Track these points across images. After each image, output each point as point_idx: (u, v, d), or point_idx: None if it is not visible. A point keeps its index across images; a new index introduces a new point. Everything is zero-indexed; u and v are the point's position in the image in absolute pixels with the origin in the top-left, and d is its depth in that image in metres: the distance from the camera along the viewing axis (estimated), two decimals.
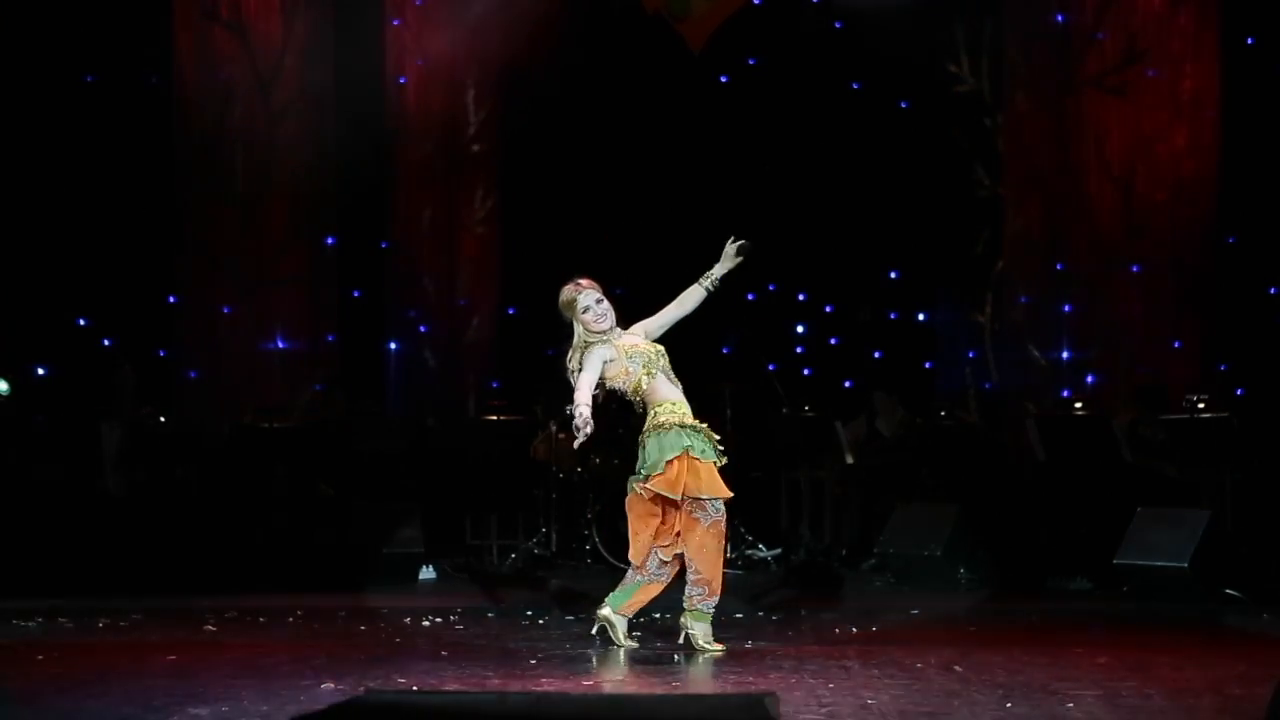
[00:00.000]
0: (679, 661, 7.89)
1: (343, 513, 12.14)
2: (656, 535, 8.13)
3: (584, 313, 8.22)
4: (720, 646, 8.12)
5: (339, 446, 12.95)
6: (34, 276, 14.22)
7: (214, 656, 8.10)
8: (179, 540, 11.79)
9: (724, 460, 8.20)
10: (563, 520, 12.79)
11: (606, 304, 8.26)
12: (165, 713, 6.54)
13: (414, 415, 14.36)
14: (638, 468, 8.19)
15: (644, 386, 8.15)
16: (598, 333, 8.21)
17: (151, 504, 12.30)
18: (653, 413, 8.17)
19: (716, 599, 8.16)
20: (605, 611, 8.22)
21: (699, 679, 7.42)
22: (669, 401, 8.16)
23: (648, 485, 8.10)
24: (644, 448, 8.15)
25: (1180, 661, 7.78)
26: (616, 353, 8.17)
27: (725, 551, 8.30)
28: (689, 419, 8.15)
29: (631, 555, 8.23)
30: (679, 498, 8.05)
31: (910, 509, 12.13)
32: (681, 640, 8.17)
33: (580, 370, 8.13)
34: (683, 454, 8.05)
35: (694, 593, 8.13)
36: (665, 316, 8.36)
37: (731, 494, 8.16)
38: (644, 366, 8.16)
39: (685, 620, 8.18)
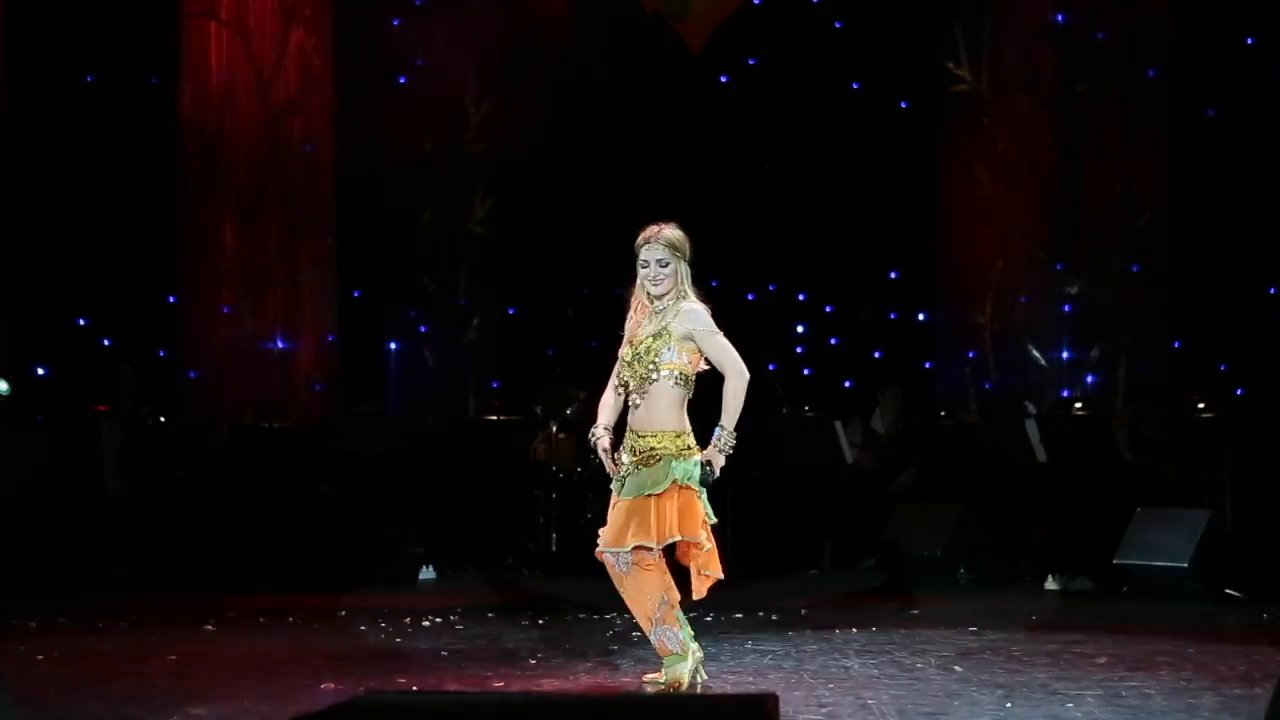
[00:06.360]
0: None
1: (343, 513, 12.15)
2: None
3: (641, 267, 6.86)
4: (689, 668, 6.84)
5: (339, 446, 12.94)
6: (34, 276, 14.21)
7: (214, 656, 8.10)
8: (179, 540, 11.80)
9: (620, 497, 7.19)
10: (563, 520, 12.77)
11: (670, 268, 6.78)
12: (165, 713, 6.55)
13: (414, 415, 14.34)
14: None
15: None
16: (654, 296, 6.86)
17: (151, 504, 12.30)
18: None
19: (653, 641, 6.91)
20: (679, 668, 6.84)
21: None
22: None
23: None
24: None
25: (1180, 661, 7.78)
26: (626, 343, 6.94)
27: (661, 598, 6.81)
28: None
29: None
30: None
31: (910, 509, 12.13)
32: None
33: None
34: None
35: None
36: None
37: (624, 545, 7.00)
38: (616, 373, 6.95)
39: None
